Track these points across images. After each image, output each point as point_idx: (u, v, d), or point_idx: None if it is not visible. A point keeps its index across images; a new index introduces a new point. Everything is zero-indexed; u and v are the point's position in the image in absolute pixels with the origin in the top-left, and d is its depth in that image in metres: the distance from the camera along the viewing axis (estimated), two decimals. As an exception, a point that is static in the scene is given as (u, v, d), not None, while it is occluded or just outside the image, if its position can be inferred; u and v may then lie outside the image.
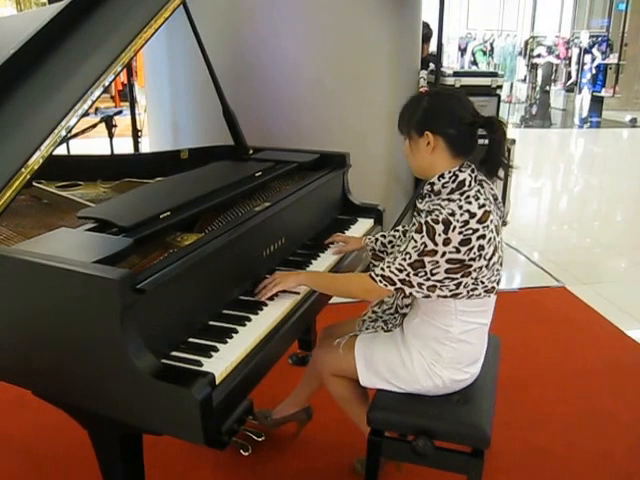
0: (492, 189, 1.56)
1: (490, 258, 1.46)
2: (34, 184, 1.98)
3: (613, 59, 12.52)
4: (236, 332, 1.45)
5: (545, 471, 2.06)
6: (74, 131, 1.62)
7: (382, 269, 1.51)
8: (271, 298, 1.63)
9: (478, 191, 1.48)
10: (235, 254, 1.61)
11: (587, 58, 12.12)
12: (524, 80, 13.14)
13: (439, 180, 1.51)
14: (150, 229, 1.49)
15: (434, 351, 1.60)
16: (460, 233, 1.40)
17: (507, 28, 13.90)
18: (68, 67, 1.60)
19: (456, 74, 4.06)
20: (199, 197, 1.72)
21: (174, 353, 1.35)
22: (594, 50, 12.22)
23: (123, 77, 8.10)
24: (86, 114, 1.49)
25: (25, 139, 1.48)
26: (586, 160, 8.49)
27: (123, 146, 4.13)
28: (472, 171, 1.52)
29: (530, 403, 2.42)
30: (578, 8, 14.21)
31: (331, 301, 1.88)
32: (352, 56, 3.24)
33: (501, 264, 1.54)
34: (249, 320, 1.52)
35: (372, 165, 3.41)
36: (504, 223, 1.72)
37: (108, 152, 3.28)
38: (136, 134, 4.05)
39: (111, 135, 3.39)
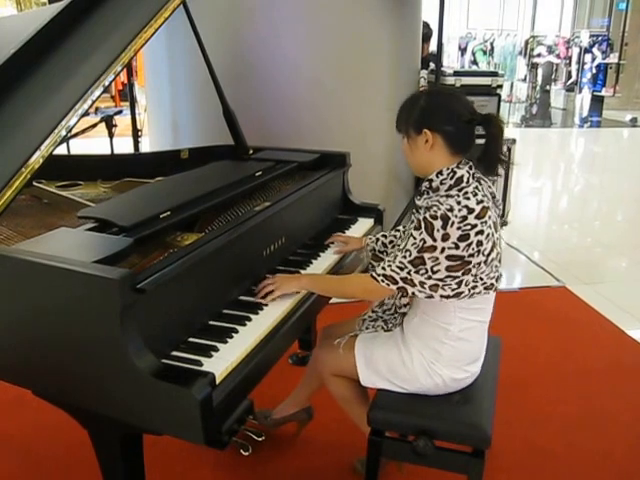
0: (490, 187, 1.57)
1: (488, 254, 1.46)
2: (34, 184, 1.98)
3: (613, 58, 12.51)
4: (236, 332, 1.45)
5: (545, 470, 2.06)
6: (74, 131, 1.62)
7: (383, 268, 1.50)
8: (271, 298, 1.63)
9: (476, 187, 1.49)
10: (235, 254, 1.61)
11: (587, 57, 12.11)
12: (524, 80, 13.13)
13: (437, 177, 1.52)
14: (150, 229, 1.48)
15: (434, 350, 1.60)
16: (458, 229, 1.40)
17: (507, 27, 13.89)
18: (68, 67, 1.59)
19: (456, 73, 4.06)
20: (199, 197, 1.72)
21: (174, 353, 1.35)
22: (594, 49, 12.21)
23: (123, 77, 8.10)
24: (86, 114, 1.49)
25: (25, 139, 1.48)
26: (586, 160, 8.48)
27: (123, 146, 4.13)
28: (470, 168, 1.52)
29: (530, 403, 2.42)
30: (578, 7, 14.20)
31: (331, 301, 1.88)
32: (352, 56, 3.24)
33: (500, 261, 1.54)
34: (249, 320, 1.52)
35: (372, 165, 3.42)
36: (504, 223, 1.72)
37: (108, 152, 3.28)
38: (136, 134, 4.05)
39: (111, 135, 3.40)
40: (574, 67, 12.63)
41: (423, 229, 1.42)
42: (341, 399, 1.81)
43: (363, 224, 2.33)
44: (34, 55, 1.62)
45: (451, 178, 1.50)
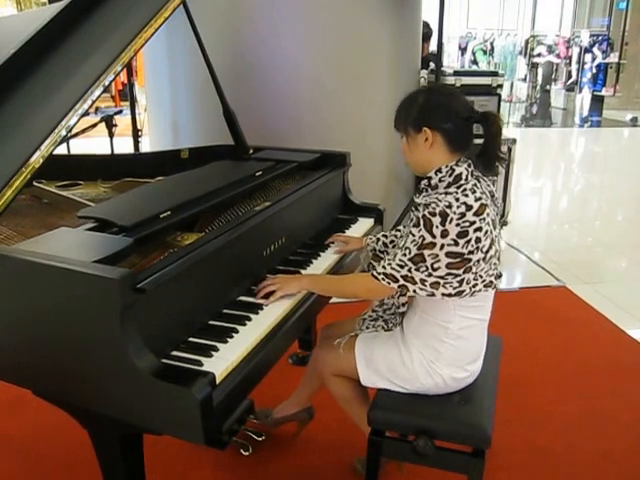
0: (489, 186, 1.57)
1: (487, 251, 1.46)
2: (34, 184, 1.98)
3: (614, 58, 12.51)
4: (236, 332, 1.45)
5: (545, 470, 2.06)
6: (74, 131, 1.62)
7: (383, 267, 1.51)
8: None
9: (475, 185, 1.49)
10: (235, 254, 1.61)
11: (587, 57, 12.10)
12: (524, 79, 13.13)
13: (436, 174, 1.52)
14: (150, 229, 1.49)
15: (434, 349, 1.60)
16: (457, 225, 1.40)
17: (507, 27, 13.90)
18: (68, 67, 1.60)
19: (456, 73, 4.06)
20: (199, 197, 1.72)
21: (174, 353, 1.35)
22: (594, 49, 12.20)
23: (123, 77, 8.10)
24: (86, 114, 1.49)
25: (25, 139, 1.48)
26: (587, 159, 8.48)
27: (123, 146, 4.14)
28: (469, 165, 1.53)
29: (530, 402, 2.42)
30: (578, 7, 14.20)
31: (331, 301, 1.88)
32: (352, 56, 3.24)
33: (498, 258, 1.54)
34: (249, 319, 1.51)
35: (372, 164, 3.42)
36: (505, 223, 1.73)
37: (108, 152, 3.29)
38: (136, 134, 4.06)
39: (111, 135, 3.40)
40: (574, 67, 12.63)
41: (422, 226, 1.42)
42: (341, 399, 1.81)
43: (363, 224, 2.33)
44: (34, 55, 1.62)
45: (450, 175, 1.50)
